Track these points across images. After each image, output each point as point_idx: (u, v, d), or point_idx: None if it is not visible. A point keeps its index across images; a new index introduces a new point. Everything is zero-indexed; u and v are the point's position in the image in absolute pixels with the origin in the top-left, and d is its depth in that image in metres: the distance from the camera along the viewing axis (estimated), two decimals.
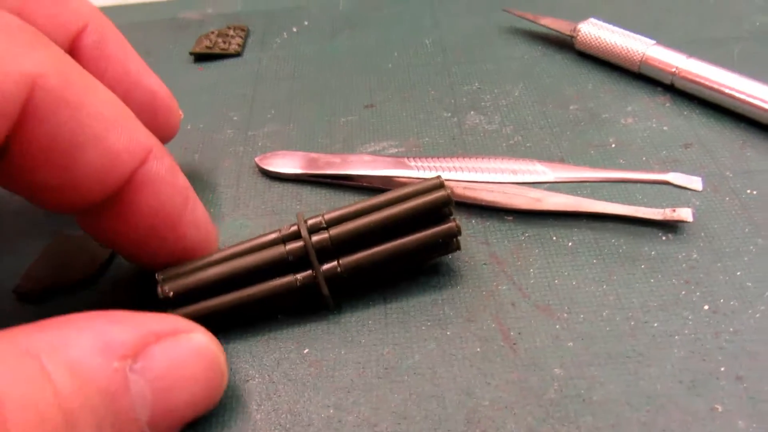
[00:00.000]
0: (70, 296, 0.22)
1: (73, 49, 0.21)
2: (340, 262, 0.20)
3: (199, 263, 0.20)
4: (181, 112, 0.24)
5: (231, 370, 0.19)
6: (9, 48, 0.15)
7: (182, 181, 0.20)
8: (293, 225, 0.20)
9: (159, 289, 0.19)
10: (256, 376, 0.19)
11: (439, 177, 0.21)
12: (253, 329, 0.20)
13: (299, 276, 0.20)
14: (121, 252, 0.20)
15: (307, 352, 0.20)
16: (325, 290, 0.20)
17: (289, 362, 0.19)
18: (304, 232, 0.20)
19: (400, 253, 0.20)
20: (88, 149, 0.17)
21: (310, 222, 0.20)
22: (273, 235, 0.20)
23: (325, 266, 0.20)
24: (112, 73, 0.21)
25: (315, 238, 0.20)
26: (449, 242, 0.21)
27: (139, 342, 0.15)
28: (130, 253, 0.20)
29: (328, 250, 0.20)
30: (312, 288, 0.20)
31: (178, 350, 0.16)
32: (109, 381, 0.14)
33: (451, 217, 0.20)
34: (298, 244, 0.20)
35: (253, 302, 0.19)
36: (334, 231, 0.20)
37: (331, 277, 0.20)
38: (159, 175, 0.18)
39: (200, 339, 0.17)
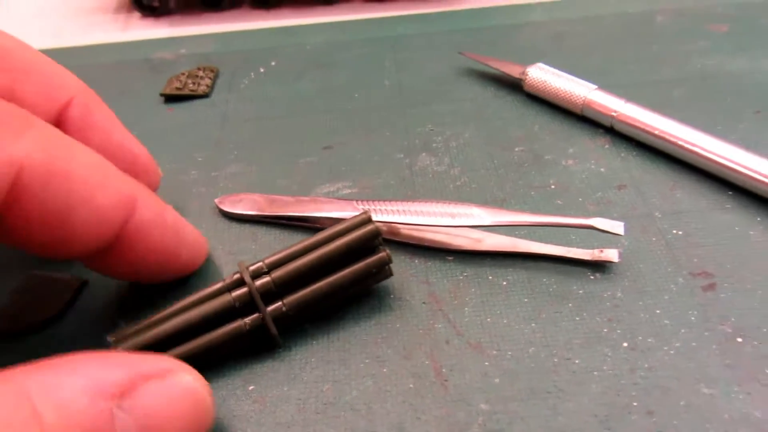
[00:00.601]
0: (43, 332, 0.23)
1: (60, 121, 0.23)
2: (285, 301, 0.21)
3: (151, 320, 0.21)
4: (160, 172, 0.26)
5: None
6: None
7: (171, 217, 0.22)
8: (236, 273, 0.22)
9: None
10: None
11: (366, 212, 0.23)
12: (207, 368, 0.22)
13: (247, 320, 0.21)
14: (120, 278, 0.23)
15: (252, 389, 0.21)
16: (274, 330, 0.21)
17: (234, 398, 0.21)
18: (247, 279, 0.21)
19: (339, 285, 0.22)
20: (78, 211, 0.19)
21: (251, 268, 0.22)
22: (218, 285, 0.22)
23: (271, 307, 0.21)
24: (98, 141, 0.23)
25: (258, 282, 0.21)
26: (382, 270, 0.23)
27: (128, 382, 0.16)
28: (131, 279, 0.23)
29: (272, 292, 0.21)
30: (260, 329, 0.21)
31: (166, 389, 0.17)
32: (95, 420, 0.15)
33: (381, 247, 0.22)
34: (243, 290, 0.21)
35: (205, 351, 0.21)
36: (276, 274, 0.21)
37: (278, 316, 0.21)
38: (148, 221, 0.21)
39: (187, 379, 0.17)
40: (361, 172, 0.29)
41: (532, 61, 0.33)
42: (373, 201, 0.25)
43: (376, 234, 0.22)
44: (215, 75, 0.36)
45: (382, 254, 0.22)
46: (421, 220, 0.24)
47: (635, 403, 0.20)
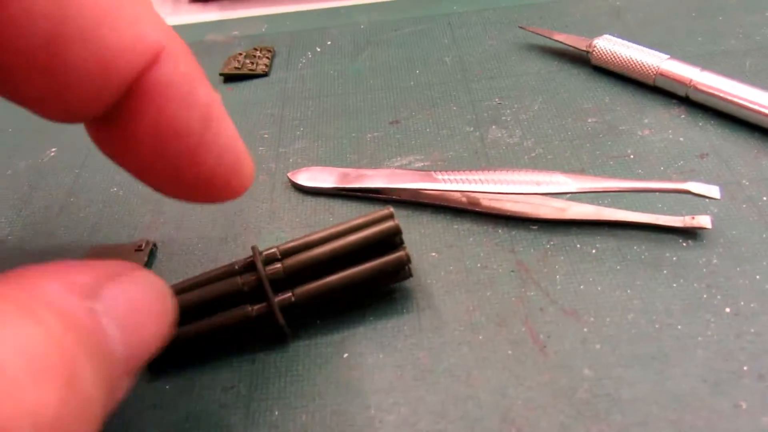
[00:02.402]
0: None
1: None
2: (294, 292, 0.21)
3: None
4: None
5: (283, 372, 0.20)
6: None
7: (204, 93, 0.16)
8: (249, 257, 0.21)
9: None
10: (300, 378, 0.20)
11: (389, 208, 0.21)
12: (294, 337, 0.21)
13: (255, 307, 0.20)
14: (135, 175, 0.18)
15: (346, 356, 0.21)
16: (281, 320, 0.21)
17: (331, 366, 0.20)
18: (258, 264, 0.20)
19: (352, 281, 0.21)
20: (73, 47, 0.14)
21: (265, 253, 0.21)
22: (228, 266, 0.21)
23: (280, 297, 0.20)
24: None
25: (269, 269, 0.20)
26: (400, 270, 0.21)
27: (95, 282, 0.15)
28: (143, 178, 0.18)
29: (282, 280, 0.20)
30: (269, 318, 0.20)
31: (131, 285, 0.16)
32: (87, 320, 0.14)
33: (402, 246, 0.21)
34: (253, 275, 0.20)
35: (208, 332, 0.20)
36: (288, 262, 0.21)
37: (286, 306, 0.21)
38: (170, 82, 0.15)
39: (147, 274, 0.16)
40: (432, 146, 0.29)
41: (591, 35, 0.32)
42: (452, 171, 0.25)
43: (396, 231, 0.21)
44: (272, 55, 0.36)
45: (401, 253, 0.21)
46: (504, 188, 0.24)
47: (745, 368, 0.19)
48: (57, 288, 0.14)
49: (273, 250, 0.21)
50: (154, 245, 0.25)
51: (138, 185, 0.26)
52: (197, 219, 0.26)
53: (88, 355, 0.13)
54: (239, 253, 0.24)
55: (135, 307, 0.15)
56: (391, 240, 0.21)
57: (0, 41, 0.14)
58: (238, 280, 0.20)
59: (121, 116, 0.15)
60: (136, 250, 0.24)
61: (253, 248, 0.21)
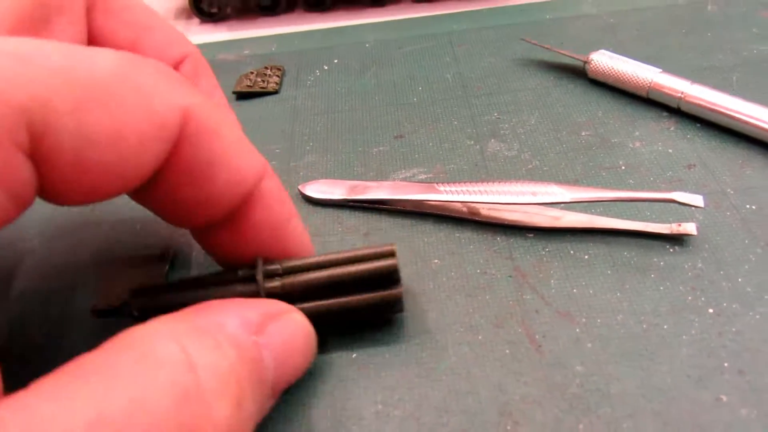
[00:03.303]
0: None
1: None
2: None
3: (167, 284, 0.22)
4: None
5: None
6: (168, 85, 0.18)
7: (288, 197, 0.22)
8: (252, 268, 0.22)
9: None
10: (311, 375, 0.22)
11: (393, 245, 0.22)
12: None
13: None
14: (225, 261, 0.23)
15: (355, 356, 0.22)
16: None
17: (340, 364, 0.22)
18: (259, 276, 0.21)
19: (345, 309, 0.22)
20: (221, 169, 0.19)
21: (269, 267, 0.22)
22: (230, 274, 0.22)
23: None
24: None
25: (269, 284, 0.21)
26: (394, 305, 0.22)
27: (261, 320, 0.19)
28: (236, 259, 0.22)
29: (280, 296, 0.21)
30: None
31: (289, 327, 0.20)
32: (254, 352, 0.18)
33: (399, 284, 0.22)
34: (252, 287, 0.21)
35: None
36: (288, 280, 0.21)
37: None
38: (272, 191, 0.21)
39: (300, 317, 0.20)
40: (434, 159, 0.30)
41: (588, 51, 0.34)
42: (453, 183, 0.27)
43: (394, 270, 0.21)
44: (282, 73, 0.38)
45: (396, 291, 0.22)
46: (502, 198, 0.25)
47: (726, 364, 0.21)
48: (235, 323, 0.18)
49: (276, 266, 0.22)
50: (175, 253, 0.27)
51: None
52: None
53: (251, 381, 0.17)
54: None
55: (288, 344, 0.19)
56: (389, 276, 0.22)
57: (173, 174, 0.18)
58: (238, 288, 0.21)
59: (234, 218, 0.20)
60: (159, 259, 0.26)
61: (257, 260, 0.22)
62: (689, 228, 0.24)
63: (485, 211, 0.27)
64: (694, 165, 0.28)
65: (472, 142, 0.31)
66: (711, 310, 0.22)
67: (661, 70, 0.31)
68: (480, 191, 0.26)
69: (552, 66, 0.36)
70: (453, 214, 0.27)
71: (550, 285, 0.24)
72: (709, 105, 0.29)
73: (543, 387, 0.21)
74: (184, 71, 0.24)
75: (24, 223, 0.29)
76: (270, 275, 0.22)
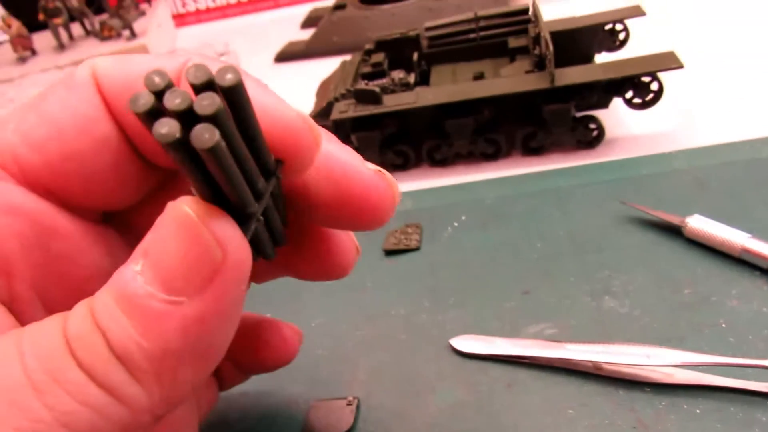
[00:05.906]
0: None
1: None
2: None
3: None
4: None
5: None
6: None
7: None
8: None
9: None
10: None
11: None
12: None
13: None
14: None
15: None
16: None
17: None
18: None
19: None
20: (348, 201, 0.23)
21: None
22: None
23: None
24: None
25: None
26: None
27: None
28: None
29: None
30: None
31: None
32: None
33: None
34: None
35: None
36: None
37: None
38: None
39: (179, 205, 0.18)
40: (557, 315, 0.37)
41: (683, 205, 0.40)
42: (580, 342, 0.33)
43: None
44: (420, 230, 0.46)
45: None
46: (623, 359, 0.31)
47: None
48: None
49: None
50: (359, 401, 0.34)
51: (341, 348, 0.36)
52: (390, 376, 0.35)
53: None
54: (421, 406, 0.33)
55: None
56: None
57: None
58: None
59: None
60: (347, 405, 0.34)
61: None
62: None
63: (607, 366, 0.33)
64: None
65: (590, 299, 0.37)
66: None
67: (750, 235, 0.37)
68: (603, 352, 0.32)
69: (650, 223, 0.42)
70: (580, 369, 0.33)
71: None
72: None
73: None
74: None
75: None
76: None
